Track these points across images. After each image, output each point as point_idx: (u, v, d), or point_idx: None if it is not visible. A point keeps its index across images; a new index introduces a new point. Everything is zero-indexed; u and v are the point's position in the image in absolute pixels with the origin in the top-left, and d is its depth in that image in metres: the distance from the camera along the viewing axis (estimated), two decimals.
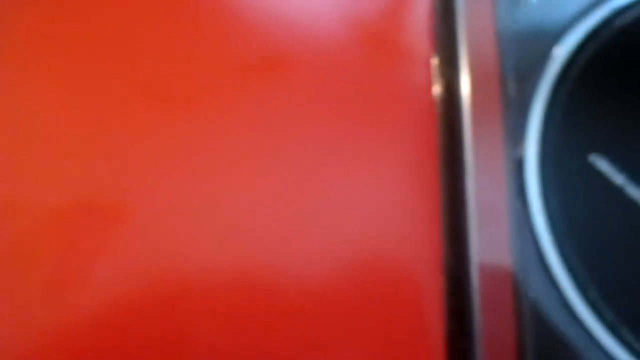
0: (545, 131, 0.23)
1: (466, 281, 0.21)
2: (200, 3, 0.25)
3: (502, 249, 0.22)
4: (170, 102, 0.23)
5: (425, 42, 0.24)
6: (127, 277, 0.22)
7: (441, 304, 0.21)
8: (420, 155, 0.23)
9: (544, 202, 0.22)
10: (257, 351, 0.21)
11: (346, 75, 0.24)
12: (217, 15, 0.24)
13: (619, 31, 0.24)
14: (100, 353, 0.21)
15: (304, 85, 0.23)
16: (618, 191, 0.22)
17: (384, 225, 0.22)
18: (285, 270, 0.21)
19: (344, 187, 0.22)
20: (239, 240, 0.22)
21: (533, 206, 0.22)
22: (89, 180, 0.22)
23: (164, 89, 0.23)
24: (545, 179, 0.22)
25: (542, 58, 0.24)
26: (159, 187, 0.22)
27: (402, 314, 0.21)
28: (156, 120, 0.23)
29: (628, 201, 0.22)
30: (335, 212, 0.22)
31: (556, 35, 0.24)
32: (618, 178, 0.22)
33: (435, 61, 0.24)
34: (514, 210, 0.22)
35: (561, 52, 0.24)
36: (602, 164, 0.22)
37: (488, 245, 0.22)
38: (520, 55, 0.24)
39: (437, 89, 0.23)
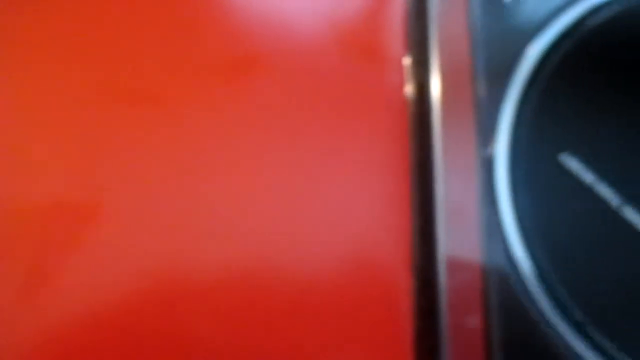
0: (516, 130, 0.23)
1: (435, 280, 0.21)
2: (179, 3, 0.25)
3: (471, 248, 0.22)
4: (149, 101, 0.24)
5: (398, 43, 0.24)
6: (102, 275, 0.22)
7: (410, 303, 0.21)
8: (391, 155, 0.23)
9: (513, 201, 0.22)
10: (232, 346, 0.21)
11: (320, 75, 0.24)
12: (195, 15, 0.25)
13: (591, 31, 0.24)
14: (76, 352, 0.21)
15: (279, 86, 0.24)
16: (588, 190, 0.22)
17: (355, 225, 0.22)
18: (256, 268, 0.22)
19: (315, 187, 0.23)
20: (213, 239, 0.22)
21: (502, 205, 0.22)
22: (65, 179, 0.23)
23: (143, 88, 0.24)
24: (515, 178, 0.22)
25: (514, 58, 0.24)
26: (136, 186, 0.23)
27: (372, 312, 0.21)
28: (134, 119, 0.23)
29: (597, 200, 0.22)
30: (306, 211, 0.22)
31: (529, 35, 0.24)
32: (588, 177, 0.22)
33: (407, 62, 0.24)
34: (484, 210, 0.22)
35: (533, 52, 0.24)
36: (572, 163, 0.22)
37: (457, 245, 0.22)
38: (493, 55, 0.24)
39: (409, 90, 0.24)
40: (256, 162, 0.23)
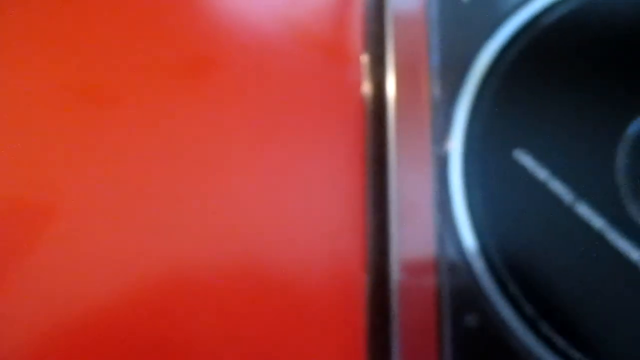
0: (471, 127, 0.23)
1: (388, 276, 0.21)
2: (141, 5, 0.25)
3: (425, 244, 0.22)
4: (109, 101, 0.24)
5: (356, 41, 0.24)
6: (56, 275, 0.22)
7: (364, 299, 0.21)
8: (348, 152, 0.23)
9: (467, 198, 0.22)
10: (200, 339, 0.21)
11: (278, 74, 0.24)
12: (155, 16, 0.25)
13: (545, 29, 0.24)
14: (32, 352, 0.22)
15: (238, 85, 0.24)
16: (541, 186, 0.22)
17: (311, 222, 0.22)
18: (207, 266, 0.22)
19: (272, 184, 0.23)
20: (166, 239, 0.22)
21: (456, 202, 0.22)
22: (23, 179, 0.23)
23: (102, 89, 0.24)
24: (469, 175, 0.22)
25: (470, 56, 0.24)
26: (89, 186, 0.23)
27: (326, 307, 0.22)
28: (87, 119, 0.23)
29: (551, 196, 0.22)
30: (263, 208, 0.23)
31: (485, 33, 0.24)
32: (541, 173, 0.22)
33: (365, 60, 0.24)
34: (438, 206, 0.22)
35: (489, 50, 0.24)
36: (526, 160, 0.22)
37: (411, 241, 0.22)
38: (449, 54, 0.24)
39: (366, 88, 0.24)
40: (214, 162, 0.23)
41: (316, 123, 0.23)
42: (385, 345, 0.21)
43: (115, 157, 0.23)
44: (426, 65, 0.24)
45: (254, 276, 0.22)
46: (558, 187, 0.22)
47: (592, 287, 0.21)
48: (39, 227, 0.22)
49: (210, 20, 0.25)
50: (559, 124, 0.23)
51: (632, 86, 0.23)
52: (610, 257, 0.21)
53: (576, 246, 0.22)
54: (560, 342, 0.21)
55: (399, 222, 0.22)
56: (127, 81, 0.24)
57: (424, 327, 0.21)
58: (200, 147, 0.23)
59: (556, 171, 0.22)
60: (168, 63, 0.24)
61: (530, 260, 0.22)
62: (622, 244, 0.21)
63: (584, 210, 0.22)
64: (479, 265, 0.21)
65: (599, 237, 0.22)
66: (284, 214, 0.22)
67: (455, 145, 0.23)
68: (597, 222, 0.22)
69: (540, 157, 0.22)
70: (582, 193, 0.22)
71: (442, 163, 0.23)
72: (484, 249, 0.22)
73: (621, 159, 0.22)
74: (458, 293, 0.21)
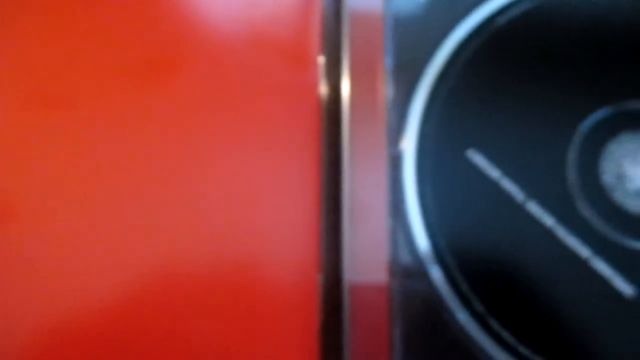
0: (425, 127, 0.23)
1: (341, 276, 0.22)
2: (97, 6, 0.25)
3: (378, 244, 0.22)
4: (65, 104, 0.24)
5: (313, 43, 0.25)
6: (12, 276, 0.22)
7: (317, 299, 0.22)
8: (304, 154, 0.23)
9: (420, 197, 0.22)
10: (143, 342, 0.22)
11: (234, 75, 0.24)
12: (112, 17, 0.25)
13: (498, 30, 0.24)
14: None
15: (195, 86, 0.24)
16: (494, 185, 0.23)
17: (266, 222, 0.23)
18: (166, 266, 0.22)
19: (229, 185, 0.23)
20: (121, 239, 0.22)
21: (409, 201, 0.22)
22: None
23: (59, 91, 0.24)
24: (422, 174, 0.23)
25: (426, 56, 0.24)
26: (46, 187, 0.23)
27: (280, 307, 0.22)
28: (45, 121, 0.24)
29: (503, 195, 0.22)
30: (219, 208, 0.23)
31: (441, 34, 0.24)
32: (493, 173, 0.23)
33: (322, 61, 0.24)
34: (391, 206, 0.22)
35: (444, 51, 0.24)
36: (479, 159, 0.23)
37: (365, 241, 0.22)
38: (405, 54, 0.24)
39: (322, 89, 0.24)
40: (170, 162, 0.23)
41: (273, 124, 0.24)
42: (338, 345, 0.21)
43: (75, 159, 0.23)
44: (382, 66, 0.24)
45: (208, 275, 0.22)
46: (510, 186, 0.22)
47: (542, 284, 0.22)
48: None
49: (168, 22, 0.25)
50: (511, 124, 0.23)
51: (583, 87, 0.23)
52: (560, 254, 0.22)
53: (527, 244, 0.22)
54: (509, 338, 0.21)
55: (353, 222, 0.22)
56: (85, 84, 0.24)
57: (377, 325, 0.21)
58: (156, 148, 0.23)
59: (507, 171, 0.22)
60: (127, 65, 0.24)
61: (481, 258, 0.22)
62: (572, 242, 0.22)
63: (535, 209, 0.22)
64: (430, 264, 0.22)
65: (549, 234, 0.22)
66: (239, 214, 0.23)
67: (409, 145, 0.23)
68: (548, 220, 0.22)
69: (492, 156, 0.23)
70: (533, 192, 0.22)
71: (396, 163, 0.23)
72: (436, 248, 0.22)
73: (572, 158, 0.23)
74: (410, 291, 0.22)
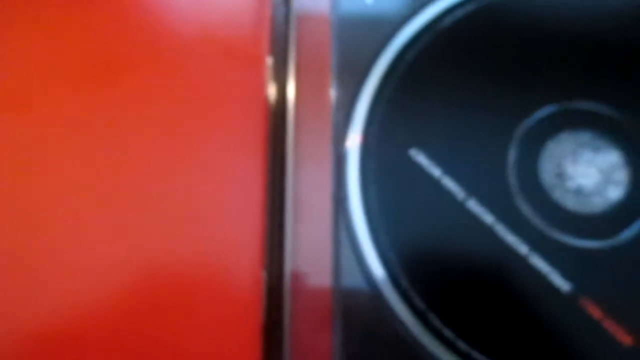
0: (370, 127, 0.24)
1: (283, 275, 0.22)
2: (49, 8, 0.25)
3: (321, 242, 0.22)
4: (18, 106, 0.24)
5: (262, 43, 0.25)
6: None
7: (261, 297, 0.22)
8: (251, 153, 0.24)
9: (363, 196, 0.23)
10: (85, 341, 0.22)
11: (182, 75, 0.24)
12: (63, 19, 0.25)
13: (442, 32, 0.24)
14: None
15: (144, 87, 0.24)
16: (436, 183, 0.23)
17: (212, 221, 0.23)
18: (109, 263, 0.22)
19: (176, 183, 0.23)
20: (67, 239, 0.22)
21: (352, 200, 0.23)
22: None
23: (11, 93, 0.24)
24: (366, 173, 0.23)
25: (371, 57, 0.24)
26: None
27: (224, 306, 0.22)
28: (3, 124, 0.24)
29: (444, 193, 0.23)
30: (166, 206, 0.23)
31: (387, 35, 0.25)
32: (435, 171, 0.23)
33: (270, 61, 0.25)
34: (335, 205, 0.23)
35: (389, 51, 0.24)
36: (421, 158, 0.23)
37: (308, 239, 0.22)
38: (352, 54, 0.25)
39: (270, 89, 0.24)
40: (119, 161, 0.23)
41: (220, 124, 0.24)
42: (280, 341, 0.22)
43: (27, 160, 0.23)
44: (328, 66, 0.24)
45: (153, 272, 0.22)
46: (451, 185, 0.23)
47: (482, 280, 0.22)
48: None
49: (118, 24, 0.25)
50: (453, 124, 0.23)
51: (523, 87, 0.24)
52: (500, 251, 0.22)
53: (468, 241, 0.22)
54: (448, 334, 0.21)
55: (296, 220, 0.23)
56: (39, 85, 0.24)
57: (319, 322, 0.22)
58: (106, 148, 0.24)
59: (449, 169, 0.23)
60: (78, 67, 0.24)
61: (423, 255, 0.22)
62: (511, 239, 0.22)
63: (475, 207, 0.23)
64: (372, 261, 0.22)
65: (489, 232, 0.22)
66: (186, 212, 0.23)
67: (354, 144, 0.23)
68: (488, 218, 0.22)
69: (434, 156, 0.23)
70: (473, 190, 0.23)
71: (340, 162, 0.23)
72: (379, 245, 0.22)
73: (512, 157, 0.23)
74: (351, 288, 0.22)
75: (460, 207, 0.23)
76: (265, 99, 0.24)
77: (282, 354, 0.21)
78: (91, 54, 0.25)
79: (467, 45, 0.24)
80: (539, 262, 0.22)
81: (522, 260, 0.22)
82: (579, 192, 0.23)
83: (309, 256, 0.22)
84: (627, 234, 0.22)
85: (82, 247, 0.22)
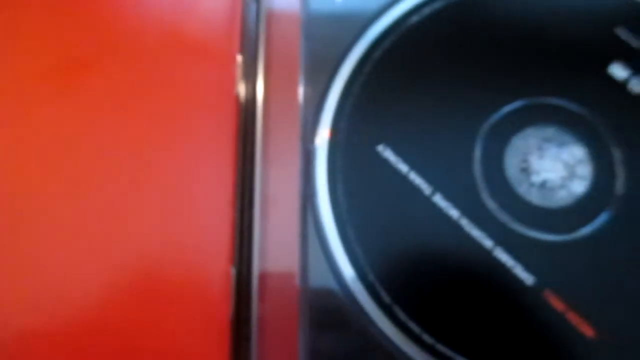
0: (337, 123, 0.24)
1: (251, 269, 0.22)
2: (11, 8, 0.25)
3: (289, 238, 0.23)
4: None
5: (232, 41, 0.25)
6: None
7: (229, 295, 0.22)
8: (221, 150, 0.24)
9: (330, 192, 0.23)
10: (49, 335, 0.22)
11: (153, 73, 0.25)
12: (29, 17, 0.25)
13: (409, 29, 0.25)
14: None
15: (113, 86, 0.24)
16: (403, 179, 0.23)
17: (181, 217, 0.23)
18: (78, 260, 0.22)
19: (145, 180, 0.23)
20: (35, 236, 0.23)
21: (320, 196, 0.23)
22: None
23: None
24: (334, 169, 0.23)
25: (340, 54, 0.25)
26: None
27: (192, 300, 0.22)
28: None
29: (411, 188, 0.23)
30: (136, 204, 0.23)
31: (356, 32, 0.25)
32: (403, 167, 0.23)
33: (240, 60, 0.25)
34: (303, 201, 0.23)
35: (358, 49, 0.25)
36: (389, 154, 0.23)
37: (276, 235, 0.23)
38: (321, 52, 0.25)
39: (240, 87, 0.25)
40: (89, 159, 0.24)
41: (191, 121, 0.24)
42: (248, 336, 0.22)
43: None
44: (298, 64, 0.25)
45: (121, 268, 0.22)
46: (417, 180, 0.23)
47: (447, 274, 0.22)
48: None
49: (88, 21, 0.25)
50: (420, 120, 0.24)
51: (489, 83, 0.24)
52: (465, 245, 0.22)
53: (433, 236, 0.23)
54: (414, 327, 0.22)
55: (265, 216, 0.23)
56: (7, 84, 0.24)
57: (286, 316, 0.22)
58: (75, 145, 0.24)
59: (415, 165, 0.23)
60: (46, 64, 0.25)
61: (389, 249, 0.22)
62: (477, 233, 0.22)
63: (441, 202, 0.23)
64: (340, 256, 0.22)
65: (455, 226, 0.23)
66: (155, 208, 0.23)
67: (323, 141, 0.24)
68: (454, 212, 0.23)
69: (401, 152, 0.23)
70: (440, 185, 0.23)
71: (309, 159, 0.23)
72: (346, 240, 0.22)
73: (478, 153, 0.23)
74: (318, 283, 0.22)
75: (426, 202, 0.23)
76: (235, 96, 0.24)
77: (250, 349, 0.21)
78: (60, 53, 0.25)
79: (434, 42, 0.25)
80: (503, 256, 0.22)
81: (487, 254, 0.22)
82: (543, 186, 0.23)
83: (277, 253, 0.22)
84: (590, 228, 0.22)
85: (50, 244, 0.22)
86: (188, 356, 0.22)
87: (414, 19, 0.25)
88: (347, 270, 0.22)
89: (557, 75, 0.24)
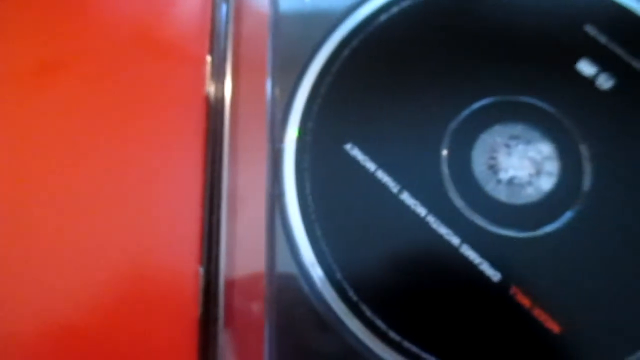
0: (306, 123, 0.24)
1: (218, 267, 0.22)
2: None
3: (256, 237, 0.23)
4: None
5: (202, 42, 0.25)
6: None
7: (197, 295, 0.22)
8: (189, 151, 0.24)
9: (298, 191, 0.23)
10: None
11: (123, 75, 0.25)
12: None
13: (378, 27, 0.25)
14: None
15: (83, 85, 0.25)
16: (370, 177, 0.23)
17: (150, 218, 0.23)
18: (46, 260, 0.22)
19: (114, 181, 0.24)
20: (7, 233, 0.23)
21: (288, 196, 0.23)
22: None
23: None
24: (301, 168, 0.23)
25: (309, 54, 0.25)
26: None
27: (161, 300, 0.22)
28: None
29: (379, 187, 0.23)
30: (105, 204, 0.23)
31: (324, 32, 0.25)
32: (370, 166, 0.23)
33: (209, 60, 0.25)
34: (270, 200, 0.23)
35: (326, 48, 0.25)
36: (357, 153, 0.23)
37: (243, 235, 0.23)
38: (289, 52, 0.25)
39: (209, 87, 0.25)
40: (58, 160, 0.24)
41: (161, 122, 0.24)
42: (216, 334, 0.22)
43: None
44: (266, 64, 0.25)
45: (90, 268, 0.22)
46: (385, 178, 0.23)
47: (415, 271, 0.22)
48: None
49: (58, 23, 0.25)
50: (387, 119, 0.24)
51: (456, 81, 0.24)
52: (433, 242, 0.23)
53: (401, 233, 0.23)
54: (381, 325, 0.22)
55: (232, 217, 0.23)
56: None
57: (252, 315, 0.22)
58: (45, 146, 0.24)
59: (383, 163, 0.23)
60: (17, 66, 0.25)
61: (357, 247, 0.23)
62: (444, 230, 0.23)
63: (409, 200, 0.23)
64: (307, 254, 0.22)
65: (422, 224, 0.23)
66: (125, 208, 0.23)
67: (291, 140, 0.24)
68: (421, 210, 0.23)
69: (369, 150, 0.23)
70: (407, 183, 0.23)
71: (277, 159, 0.24)
72: (313, 238, 0.23)
73: (445, 150, 0.23)
74: (286, 282, 0.22)
75: (394, 200, 0.23)
76: (205, 97, 0.24)
77: (217, 348, 0.21)
78: (30, 55, 0.25)
79: (402, 40, 0.25)
80: (470, 253, 0.22)
81: (454, 252, 0.22)
82: (511, 183, 0.23)
83: (245, 252, 0.23)
84: (556, 224, 0.22)
85: (17, 245, 0.22)
86: (157, 356, 0.22)
87: (383, 17, 0.25)
88: (315, 269, 0.22)
89: (525, 72, 0.24)
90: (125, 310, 0.22)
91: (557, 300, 0.22)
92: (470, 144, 0.23)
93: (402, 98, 0.24)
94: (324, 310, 0.22)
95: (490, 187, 0.23)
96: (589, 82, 0.24)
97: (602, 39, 0.24)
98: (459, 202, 0.23)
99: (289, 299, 0.22)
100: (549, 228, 0.22)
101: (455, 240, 0.22)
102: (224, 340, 0.21)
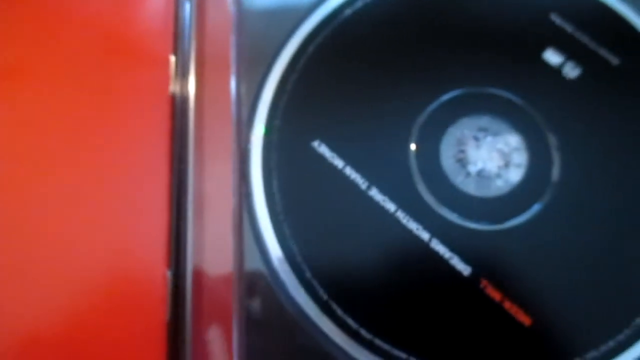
0: (273, 120, 0.24)
1: (185, 268, 0.22)
2: None
3: (223, 237, 0.22)
4: None
5: (165, 41, 0.25)
6: None
7: (165, 297, 0.22)
8: (155, 152, 0.24)
9: (266, 190, 0.23)
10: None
11: (86, 75, 0.24)
12: None
13: (344, 22, 0.25)
14: None
15: (47, 85, 0.24)
16: (338, 174, 0.23)
17: (117, 220, 0.23)
18: (13, 262, 0.22)
19: (80, 183, 0.23)
20: None
21: (255, 195, 0.23)
22: None
23: None
24: (268, 166, 0.23)
25: (274, 51, 0.25)
26: None
27: (129, 303, 0.22)
28: None
29: (347, 183, 0.23)
30: (72, 207, 0.23)
31: (289, 28, 0.25)
32: (338, 162, 0.23)
33: (173, 60, 0.25)
34: (238, 199, 0.23)
35: (291, 44, 0.25)
36: (324, 150, 0.23)
37: (211, 235, 0.23)
38: (254, 50, 0.25)
39: (174, 87, 0.24)
40: (23, 162, 0.23)
41: (125, 122, 0.24)
42: (184, 336, 0.22)
43: None
44: (231, 61, 0.24)
45: (57, 270, 0.22)
46: (353, 175, 0.23)
47: (385, 268, 0.22)
48: None
49: (20, 23, 0.25)
50: (354, 115, 0.24)
51: (423, 75, 0.24)
52: (402, 238, 0.22)
53: (370, 230, 0.23)
54: (352, 323, 0.21)
55: (199, 217, 0.23)
56: None
57: (222, 316, 0.22)
58: (11, 149, 0.24)
59: (351, 160, 0.23)
60: None
61: (326, 245, 0.22)
62: (413, 226, 0.22)
63: (378, 196, 0.23)
64: (275, 253, 0.22)
65: (392, 220, 0.22)
66: (91, 211, 0.23)
67: (257, 138, 0.23)
68: (390, 205, 0.23)
69: (337, 147, 0.23)
70: (375, 179, 0.23)
71: (244, 157, 0.23)
72: (282, 237, 0.22)
73: (413, 145, 0.23)
74: (254, 282, 0.22)
75: (362, 196, 0.23)
76: (169, 97, 0.24)
77: (185, 350, 0.21)
78: None
79: (367, 35, 0.24)
80: (440, 248, 0.22)
81: (424, 247, 0.22)
82: (480, 176, 0.23)
83: (213, 252, 0.22)
84: (525, 216, 0.22)
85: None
86: (125, 359, 0.21)
87: (347, 12, 0.25)
88: (284, 267, 0.22)
89: (491, 63, 0.24)
90: (93, 314, 0.22)
91: (528, 293, 0.22)
92: (438, 137, 0.23)
93: (368, 93, 0.24)
94: (294, 310, 0.22)
95: (459, 181, 0.23)
96: (556, 71, 0.24)
97: (568, 28, 0.24)
98: (428, 197, 0.23)
99: (259, 299, 0.22)
100: (517, 220, 0.22)
101: (425, 235, 0.22)
102: (192, 342, 0.21)
